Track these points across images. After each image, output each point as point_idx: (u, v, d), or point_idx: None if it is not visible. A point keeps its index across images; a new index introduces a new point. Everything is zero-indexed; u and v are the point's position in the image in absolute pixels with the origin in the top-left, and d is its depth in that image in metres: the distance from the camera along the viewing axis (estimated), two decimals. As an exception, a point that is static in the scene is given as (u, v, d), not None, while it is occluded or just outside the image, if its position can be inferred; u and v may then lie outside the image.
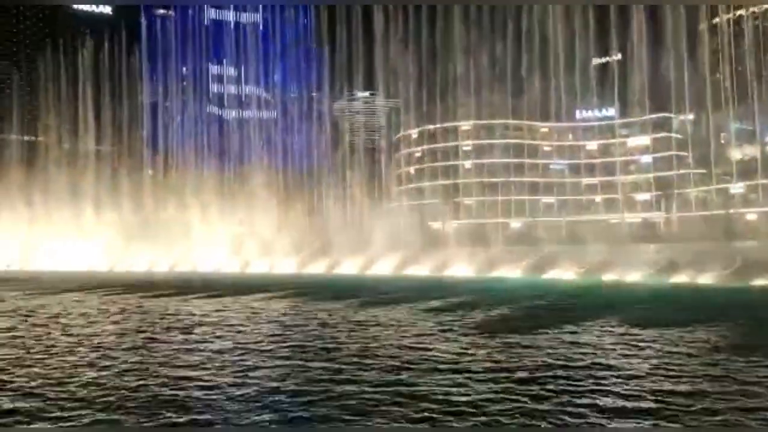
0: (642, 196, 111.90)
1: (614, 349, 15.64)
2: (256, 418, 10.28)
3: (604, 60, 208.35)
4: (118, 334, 20.46)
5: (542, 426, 9.85)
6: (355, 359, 14.91)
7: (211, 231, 75.92)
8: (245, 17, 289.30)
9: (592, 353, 15.20)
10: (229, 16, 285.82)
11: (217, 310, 26.79)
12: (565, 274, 44.66)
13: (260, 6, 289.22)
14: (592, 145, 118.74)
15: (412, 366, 13.92)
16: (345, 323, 21.76)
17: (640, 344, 16.36)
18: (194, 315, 25.19)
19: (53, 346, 17.99)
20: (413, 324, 21.02)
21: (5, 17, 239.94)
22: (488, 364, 14.04)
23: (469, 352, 15.71)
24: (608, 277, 40.48)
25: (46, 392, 11.99)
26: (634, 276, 39.29)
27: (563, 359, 14.46)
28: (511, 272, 46.29)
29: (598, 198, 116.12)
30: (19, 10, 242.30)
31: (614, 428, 9.76)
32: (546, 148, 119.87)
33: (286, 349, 16.61)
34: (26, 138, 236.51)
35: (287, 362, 14.84)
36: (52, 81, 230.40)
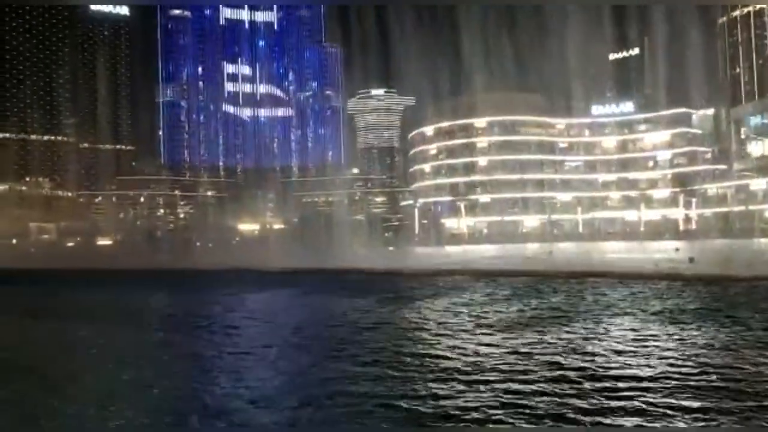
0: (660, 193, 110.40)
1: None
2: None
3: (621, 55, 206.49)
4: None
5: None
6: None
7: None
8: (260, 16, 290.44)
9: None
10: (244, 15, 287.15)
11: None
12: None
13: (275, 5, 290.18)
14: (609, 141, 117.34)
15: None
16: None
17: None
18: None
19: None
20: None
21: (24, 18, 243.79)
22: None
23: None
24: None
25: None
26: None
27: None
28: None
29: (616, 195, 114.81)
30: (39, 12, 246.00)
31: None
32: (562, 145, 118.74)
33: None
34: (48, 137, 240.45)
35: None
36: (71, 80, 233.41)
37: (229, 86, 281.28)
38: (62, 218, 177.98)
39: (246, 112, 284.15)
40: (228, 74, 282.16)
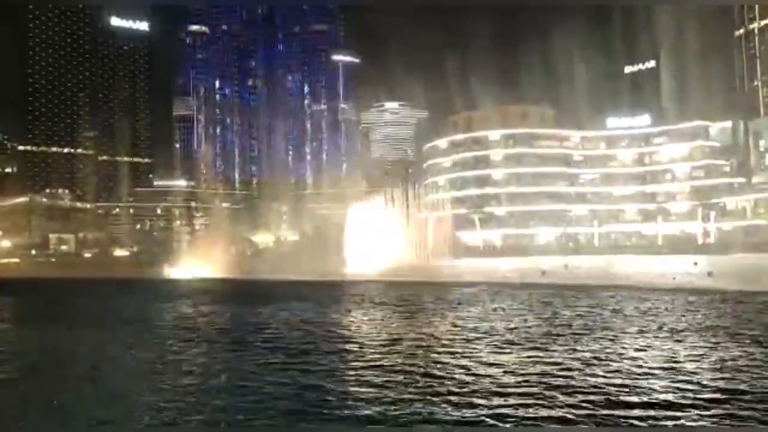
0: (678, 206, 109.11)
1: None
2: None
3: (636, 68, 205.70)
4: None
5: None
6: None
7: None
8: (275, 32, 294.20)
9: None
10: (258, 32, 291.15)
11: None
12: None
13: (291, 20, 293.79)
14: (626, 154, 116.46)
15: None
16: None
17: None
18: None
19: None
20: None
21: (47, 33, 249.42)
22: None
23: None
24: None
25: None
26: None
27: None
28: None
29: (632, 208, 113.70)
30: (60, 27, 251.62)
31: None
32: (577, 158, 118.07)
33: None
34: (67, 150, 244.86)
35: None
36: (90, 94, 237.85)
37: (245, 99, 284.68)
38: (81, 229, 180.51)
39: (262, 125, 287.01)
40: (244, 88, 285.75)
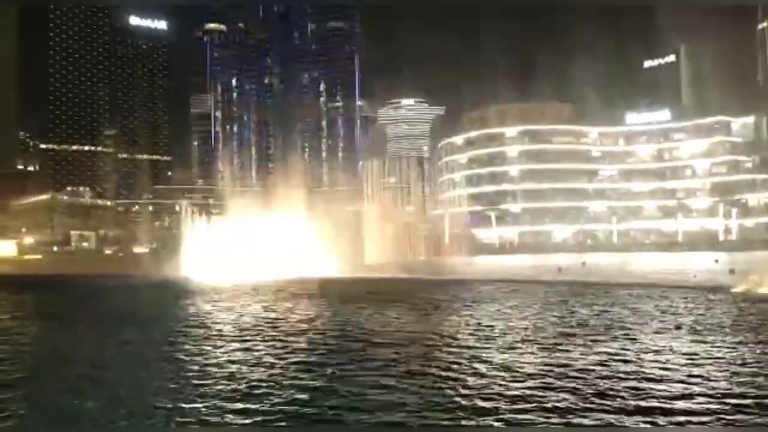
0: (699, 203, 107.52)
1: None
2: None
3: (656, 62, 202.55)
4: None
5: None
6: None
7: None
8: (291, 30, 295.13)
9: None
10: (275, 30, 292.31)
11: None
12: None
13: (307, 18, 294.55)
14: (645, 150, 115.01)
15: None
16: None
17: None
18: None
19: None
20: None
21: (67, 33, 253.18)
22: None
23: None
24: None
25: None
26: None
27: None
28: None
29: (651, 204, 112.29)
30: (80, 26, 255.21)
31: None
32: (595, 154, 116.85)
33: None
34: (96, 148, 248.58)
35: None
36: (110, 93, 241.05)
37: (261, 97, 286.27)
38: (101, 227, 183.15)
39: (279, 122, 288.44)
40: (261, 85, 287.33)
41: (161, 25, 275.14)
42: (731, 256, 60.50)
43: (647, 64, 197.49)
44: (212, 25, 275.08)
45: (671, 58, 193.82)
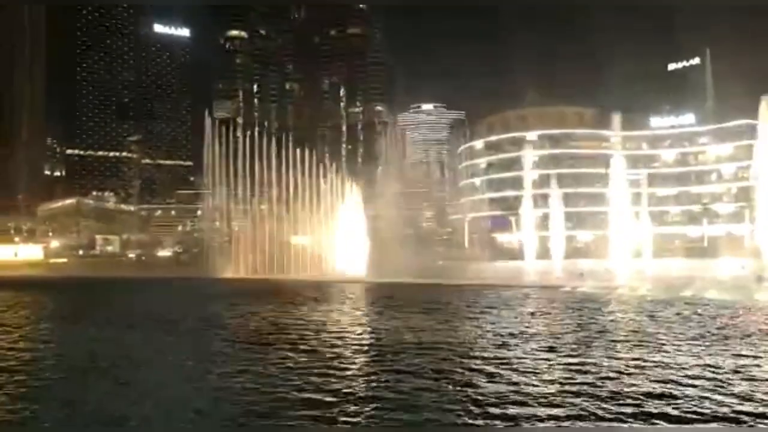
0: (724, 208, 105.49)
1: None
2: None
3: (680, 65, 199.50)
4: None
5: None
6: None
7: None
8: (312, 36, 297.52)
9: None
10: (295, 36, 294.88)
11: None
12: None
13: (328, 23, 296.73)
14: (669, 154, 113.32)
15: None
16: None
17: None
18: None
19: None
20: None
21: (93, 41, 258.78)
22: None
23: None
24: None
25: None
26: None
27: None
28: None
29: (676, 209, 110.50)
30: (105, 34, 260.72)
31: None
32: (618, 158, 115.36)
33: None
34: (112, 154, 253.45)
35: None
36: (134, 99, 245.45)
37: (281, 102, 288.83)
38: (125, 231, 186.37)
39: (299, 128, 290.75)
40: (281, 91, 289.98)
41: (184, 32, 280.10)
42: (758, 261, 59.12)
43: (671, 66, 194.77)
44: (234, 32, 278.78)
45: (696, 60, 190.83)
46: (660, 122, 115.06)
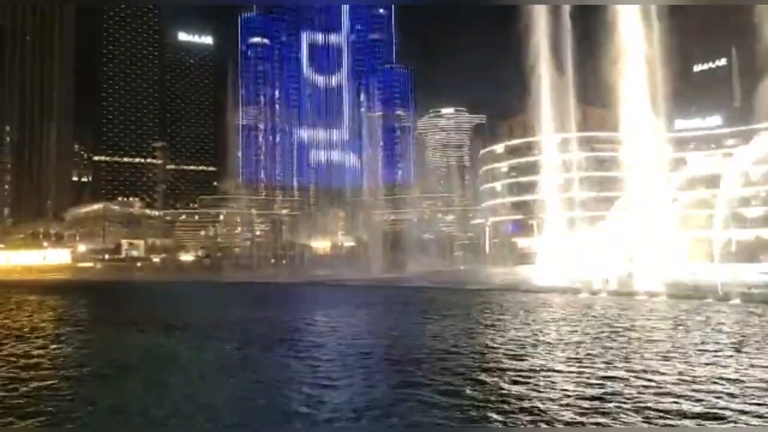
0: (753, 211, 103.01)
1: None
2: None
3: (706, 66, 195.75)
4: None
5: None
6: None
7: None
8: (333, 39, 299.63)
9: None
10: (318, 38, 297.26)
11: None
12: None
13: (348, 28, 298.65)
14: (695, 156, 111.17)
15: None
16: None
17: None
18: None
19: None
20: None
21: (119, 50, 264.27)
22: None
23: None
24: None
25: None
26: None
27: None
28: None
29: (702, 213, 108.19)
30: (131, 43, 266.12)
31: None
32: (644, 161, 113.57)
33: None
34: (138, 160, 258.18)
35: None
36: (159, 106, 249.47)
37: (303, 108, 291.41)
38: (150, 235, 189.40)
39: (319, 133, 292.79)
40: (302, 96, 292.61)
41: (207, 40, 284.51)
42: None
43: (697, 68, 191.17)
44: (255, 39, 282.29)
45: (722, 61, 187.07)
46: (685, 124, 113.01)
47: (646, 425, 9.95)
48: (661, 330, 22.68)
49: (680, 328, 23.14)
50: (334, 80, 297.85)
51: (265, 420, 11.38)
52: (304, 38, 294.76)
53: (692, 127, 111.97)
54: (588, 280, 45.21)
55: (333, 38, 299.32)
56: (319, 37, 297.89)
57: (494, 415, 10.98)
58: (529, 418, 10.79)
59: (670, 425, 9.95)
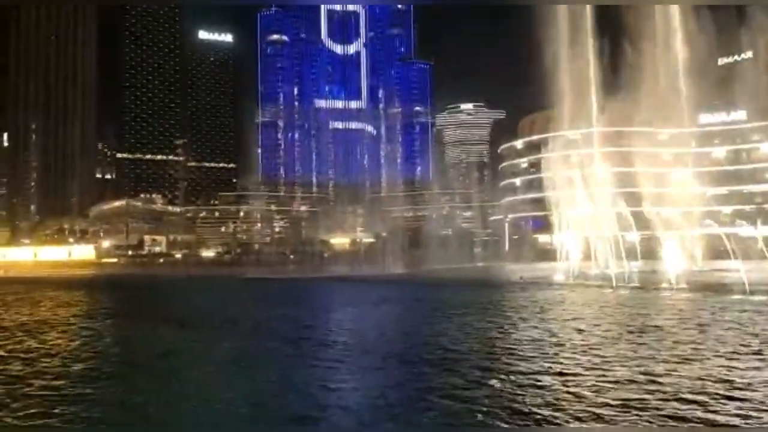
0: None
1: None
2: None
3: (731, 59, 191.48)
4: None
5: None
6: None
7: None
8: (351, 35, 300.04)
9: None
10: (334, 38, 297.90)
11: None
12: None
13: (364, 25, 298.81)
14: (720, 151, 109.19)
15: None
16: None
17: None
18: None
19: None
20: None
21: (142, 48, 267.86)
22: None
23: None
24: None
25: None
26: None
27: None
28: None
29: (727, 209, 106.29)
30: (153, 42, 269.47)
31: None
32: (666, 156, 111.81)
33: None
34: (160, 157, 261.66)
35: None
36: (180, 104, 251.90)
37: (322, 105, 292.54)
38: (171, 231, 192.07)
39: (338, 129, 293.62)
40: (321, 93, 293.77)
41: (228, 38, 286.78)
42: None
43: (722, 61, 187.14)
44: (275, 36, 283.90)
45: (749, 54, 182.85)
46: (710, 119, 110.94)
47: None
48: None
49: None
50: (352, 76, 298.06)
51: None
52: (322, 34, 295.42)
53: (717, 122, 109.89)
54: (614, 275, 44.75)
55: (352, 34, 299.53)
56: (337, 34, 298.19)
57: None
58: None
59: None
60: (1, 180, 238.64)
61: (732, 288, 35.32)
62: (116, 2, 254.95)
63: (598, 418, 10.58)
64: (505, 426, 9.87)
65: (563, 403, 11.43)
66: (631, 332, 20.60)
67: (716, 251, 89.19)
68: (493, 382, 13.24)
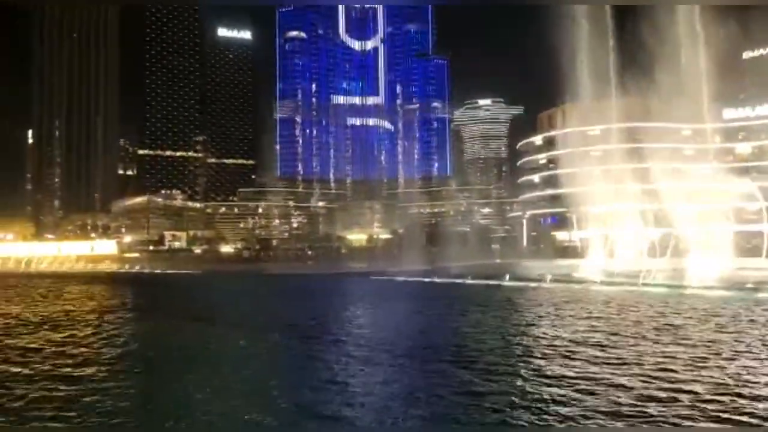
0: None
1: None
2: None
3: (757, 53, 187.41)
4: None
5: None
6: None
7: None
8: (369, 32, 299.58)
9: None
10: (352, 35, 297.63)
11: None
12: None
13: (381, 21, 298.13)
14: (744, 147, 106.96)
15: None
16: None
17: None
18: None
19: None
20: None
21: (161, 46, 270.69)
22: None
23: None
24: None
25: None
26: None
27: None
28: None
29: (752, 206, 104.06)
30: (171, 40, 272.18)
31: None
32: (689, 152, 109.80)
33: None
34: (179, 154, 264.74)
35: None
36: (200, 101, 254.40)
37: (339, 101, 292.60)
38: (192, 227, 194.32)
39: (356, 126, 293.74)
40: (339, 90, 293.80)
41: (246, 35, 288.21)
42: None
43: (747, 55, 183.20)
44: (293, 33, 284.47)
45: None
46: (734, 114, 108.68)
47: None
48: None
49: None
50: (369, 72, 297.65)
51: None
52: (340, 30, 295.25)
53: (742, 117, 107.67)
54: (639, 272, 44.30)
55: (369, 30, 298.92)
56: (355, 30, 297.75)
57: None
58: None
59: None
60: (26, 176, 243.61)
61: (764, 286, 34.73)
62: (137, 1, 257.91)
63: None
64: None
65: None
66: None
67: (742, 249, 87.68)
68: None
